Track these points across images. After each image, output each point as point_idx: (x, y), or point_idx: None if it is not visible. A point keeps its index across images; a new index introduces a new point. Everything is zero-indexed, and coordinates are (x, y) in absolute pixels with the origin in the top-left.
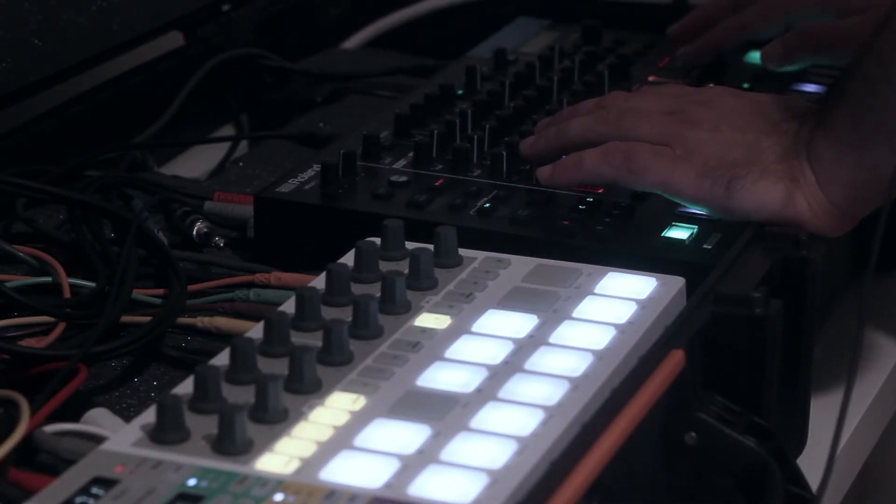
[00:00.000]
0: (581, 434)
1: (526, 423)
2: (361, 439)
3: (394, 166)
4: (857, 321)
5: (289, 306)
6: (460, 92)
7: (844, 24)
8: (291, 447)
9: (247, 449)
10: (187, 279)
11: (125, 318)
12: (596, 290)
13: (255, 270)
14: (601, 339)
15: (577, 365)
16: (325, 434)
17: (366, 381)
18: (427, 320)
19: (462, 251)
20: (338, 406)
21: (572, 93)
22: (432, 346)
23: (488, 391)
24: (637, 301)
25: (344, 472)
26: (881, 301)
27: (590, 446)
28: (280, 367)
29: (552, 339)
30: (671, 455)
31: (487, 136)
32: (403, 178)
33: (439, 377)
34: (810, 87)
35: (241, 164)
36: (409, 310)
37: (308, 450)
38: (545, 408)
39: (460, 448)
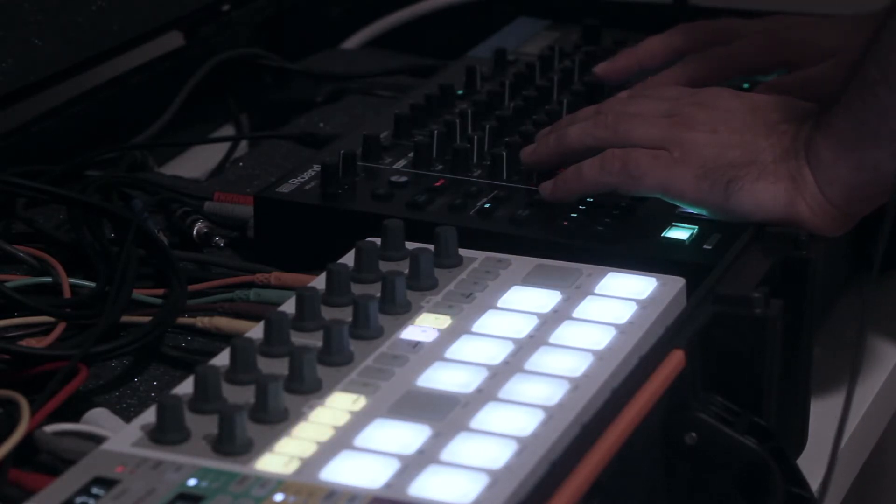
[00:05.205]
0: (581, 434)
1: (526, 423)
2: (361, 439)
3: (394, 166)
4: (859, 321)
5: (289, 306)
6: (460, 92)
7: (811, 75)
8: (291, 447)
9: (247, 449)
10: (187, 279)
11: (125, 318)
12: (596, 291)
13: (255, 270)
14: (601, 339)
15: (577, 365)
16: (325, 434)
17: (366, 382)
18: (427, 320)
19: (462, 251)
20: (338, 406)
21: (572, 93)
22: (432, 346)
23: (488, 391)
24: (637, 301)
25: (344, 472)
26: (881, 301)
27: (590, 446)
28: (280, 367)
29: (552, 340)
30: (671, 455)
31: (487, 137)
32: (403, 179)
33: (439, 377)
34: None
35: (241, 164)
36: (409, 310)
37: (308, 450)
38: (545, 408)
39: (460, 448)
